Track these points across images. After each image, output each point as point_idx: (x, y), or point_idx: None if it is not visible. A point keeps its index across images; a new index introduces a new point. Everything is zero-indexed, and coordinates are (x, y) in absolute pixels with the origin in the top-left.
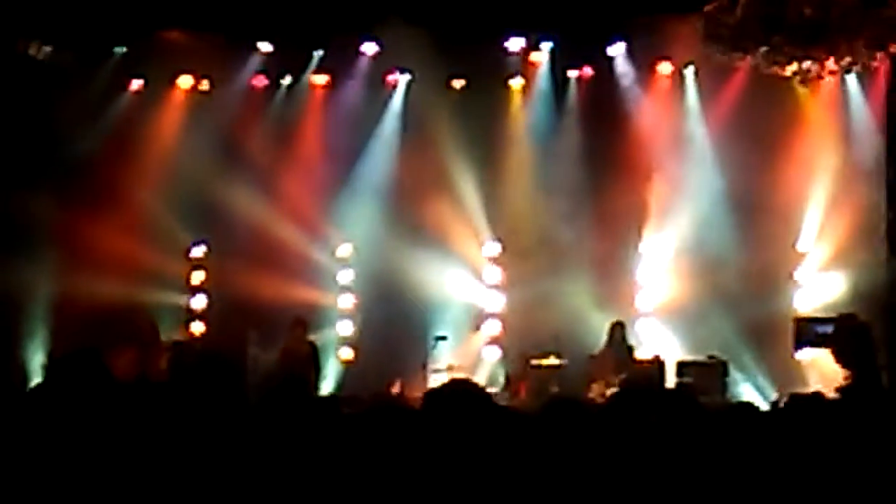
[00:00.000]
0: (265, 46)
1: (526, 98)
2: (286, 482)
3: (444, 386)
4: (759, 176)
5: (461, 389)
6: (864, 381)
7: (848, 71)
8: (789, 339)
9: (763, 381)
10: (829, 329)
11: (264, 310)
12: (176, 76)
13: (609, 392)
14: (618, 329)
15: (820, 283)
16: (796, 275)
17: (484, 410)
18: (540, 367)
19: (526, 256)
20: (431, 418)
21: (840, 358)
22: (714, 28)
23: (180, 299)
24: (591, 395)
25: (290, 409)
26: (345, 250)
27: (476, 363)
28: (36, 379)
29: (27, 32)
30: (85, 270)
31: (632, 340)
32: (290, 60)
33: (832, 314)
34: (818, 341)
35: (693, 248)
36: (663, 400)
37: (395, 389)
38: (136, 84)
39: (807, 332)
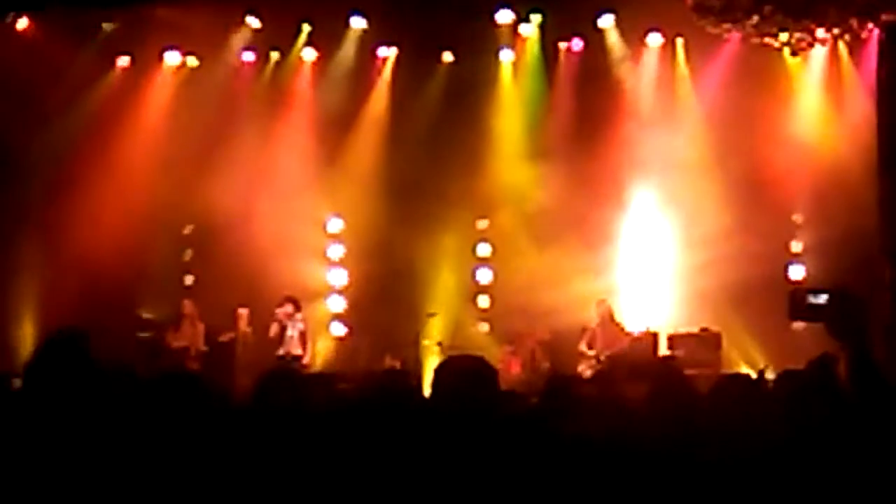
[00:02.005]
0: (253, 21)
1: (515, 71)
2: (284, 462)
3: (450, 362)
4: (750, 146)
5: (468, 367)
6: (856, 355)
7: (838, 40)
8: (783, 310)
9: (757, 353)
10: (823, 299)
11: (254, 287)
12: (163, 52)
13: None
14: (603, 305)
15: (815, 253)
16: (792, 244)
17: (491, 390)
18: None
19: (515, 230)
20: (435, 397)
21: (833, 331)
22: None
23: (173, 276)
24: (580, 369)
25: (284, 389)
26: (336, 226)
27: (467, 339)
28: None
29: (12, 7)
30: (76, 249)
31: (622, 313)
32: (278, 35)
33: (826, 285)
34: (811, 313)
35: (686, 219)
36: (650, 374)
37: (387, 364)
38: (124, 61)
39: (801, 302)
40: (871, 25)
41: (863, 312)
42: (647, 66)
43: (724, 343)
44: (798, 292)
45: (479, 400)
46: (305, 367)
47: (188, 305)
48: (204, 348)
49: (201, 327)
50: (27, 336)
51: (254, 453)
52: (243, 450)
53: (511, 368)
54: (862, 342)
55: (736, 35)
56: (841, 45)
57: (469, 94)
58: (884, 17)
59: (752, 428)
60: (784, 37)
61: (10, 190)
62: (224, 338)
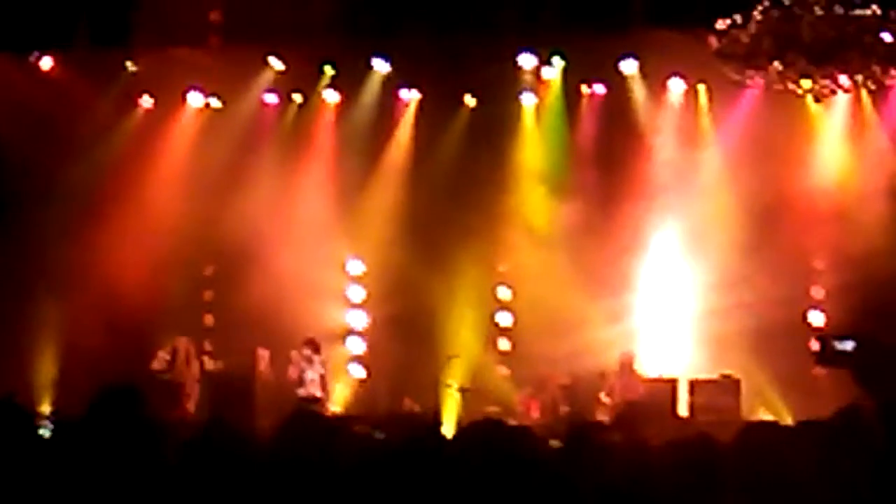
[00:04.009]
0: (276, 64)
1: (537, 115)
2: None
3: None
4: (772, 192)
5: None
6: (883, 402)
7: (861, 87)
8: (805, 356)
9: (777, 399)
10: (850, 346)
11: (274, 328)
12: (186, 93)
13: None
14: (626, 355)
15: (835, 299)
16: (812, 290)
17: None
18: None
19: (535, 273)
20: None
21: (860, 378)
22: (727, 45)
23: (193, 316)
24: (599, 417)
25: (306, 432)
26: (356, 268)
27: (487, 382)
28: (45, 399)
29: (37, 46)
30: (97, 287)
31: (642, 359)
32: (301, 77)
33: (851, 331)
34: (838, 359)
35: (706, 264)
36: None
37: (407, 407)
38: (147, 101)
39: (828, 348)
40: (893, 72)
41: (890, 360)
42: (669, 111)
43: (744, 389)
44: (825, 339)
45: (500, 444)
46: (326, 408)
47: (183, 343)
48: (197, 386)
49: (196, 365)
50: (48, 372)
51: (276, 496)
52: (265, 492)
53: (531, 412)
54: (889, 390)
55: (759, 81)
56: (864, 91)
57: (491, 137)
58: None
59: (778, 478)
60: (807, 83)
61: (32, 226)
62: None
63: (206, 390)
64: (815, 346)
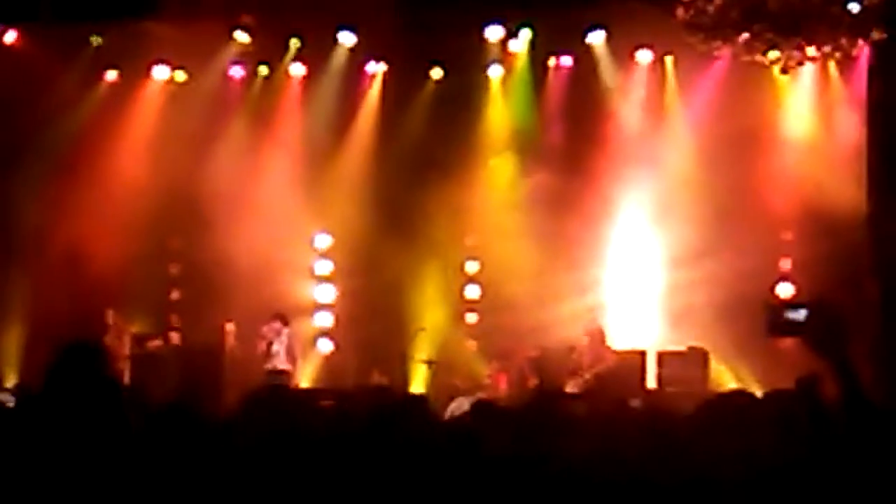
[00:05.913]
0: (242, 36)
1: (504, 87)
2: (271, 478)
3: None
4: (739, 163)
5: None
6: (838, 370)
7: (828, 58)
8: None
9: (745, 371)
10: (802, 315)
11: (241, 302)
12: (152, 66)
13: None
14: (593, 324)
15: (803, 271)
16: (780, 262)
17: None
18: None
19: (503, 246)
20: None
21: (812, 345)
22: (694, 16)
23: (159, 291)
24: (569, 388)
25: (271, 407)
26: (323, 242)
27: (454, 355)
28: (10, 372)
29: (2, 22)
30: (64, 261)
31: (610, 331)
32: (267, 50)
33: (806, 300)
34: (790, 328)
35: (674, 236)
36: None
37: (375, 380)
38: (112, 74)
39: (779, 317)
40: (860, 43)
41: (842, 326)
42: (636, 82)
43: (712, 361)
44: (776, 308)
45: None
46: (293, 381)
47: (112, 315)
48: (127, 359)
49: (127, 338)
50: (13, 344)
51: (243, 469)
52: (232, 466)
53: (499, 385)
54: (843, 357)
55: (726, 52)
56: (831, 63)
57: (458, 110)
58: (873, 35)
59: (738, 450)
60: (774, 54)
61: None
62: (152, 346)
63: (172, 364)
64: (766, 315)
